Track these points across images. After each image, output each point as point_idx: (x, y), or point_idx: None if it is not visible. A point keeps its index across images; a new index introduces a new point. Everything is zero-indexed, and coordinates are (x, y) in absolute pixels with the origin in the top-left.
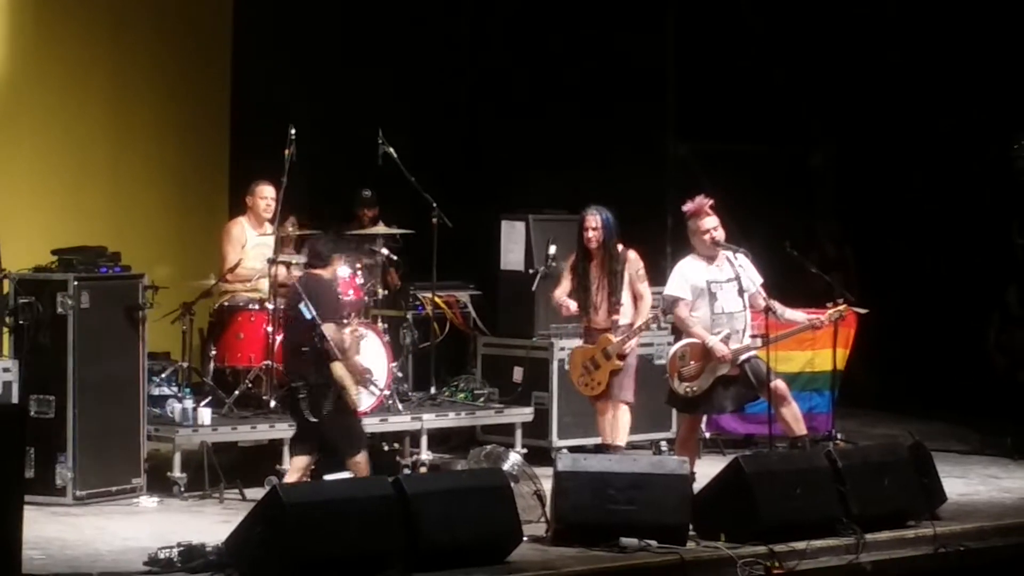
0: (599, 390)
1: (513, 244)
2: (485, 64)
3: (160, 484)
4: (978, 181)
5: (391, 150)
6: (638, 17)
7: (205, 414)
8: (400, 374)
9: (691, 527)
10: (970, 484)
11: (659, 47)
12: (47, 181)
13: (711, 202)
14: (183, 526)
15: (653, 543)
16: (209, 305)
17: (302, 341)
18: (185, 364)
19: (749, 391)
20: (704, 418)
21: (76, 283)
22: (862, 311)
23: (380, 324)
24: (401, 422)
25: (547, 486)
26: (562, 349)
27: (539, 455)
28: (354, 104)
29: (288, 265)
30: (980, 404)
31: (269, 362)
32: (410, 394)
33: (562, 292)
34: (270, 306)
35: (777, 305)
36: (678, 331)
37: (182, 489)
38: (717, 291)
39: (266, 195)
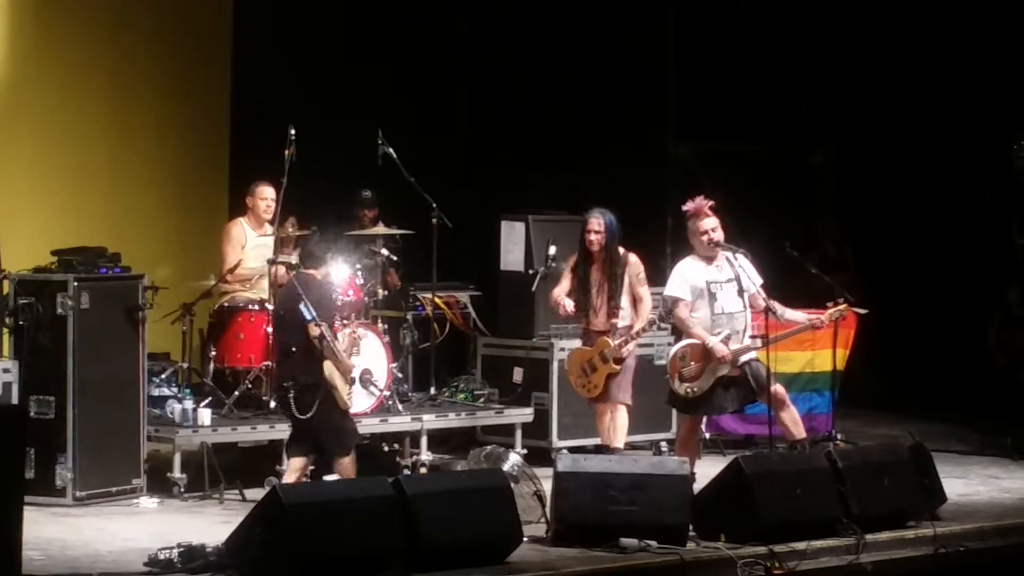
0: (595, 393)
1: (513, 244)
2: (485, 64)
3: (160, 485)
4: (978, 181)
5: (391, 150)
6: (638, 17)
7: (205, 415)
8: (400, 375)
9: (691, 527)
10: (970, 484)
11: (659, 47)
12: (47, 181)
13: (711, 203)
14: (183, 527)
15: (653, 543)
16: (209, 306)
17: (292, 340)
18: (185, 365)
19: (749, 392)
20: (704, 419)
21: (76, 284)
22: (862, 311)
23: (380, 325)
24: (401, 423)
25: (547, 487)
26: (562, 350)
27: (539, 456)
28: (354, 104)
29: (288, 266)
30: (980, 404)
31: (269, 363)
32: (410, 395)
33: (561, 291)
34: (270, 307)
35: (777, 305)
36: (678, 332)
37: (182, 490)
38: (717, 291)
39: (266, 196)
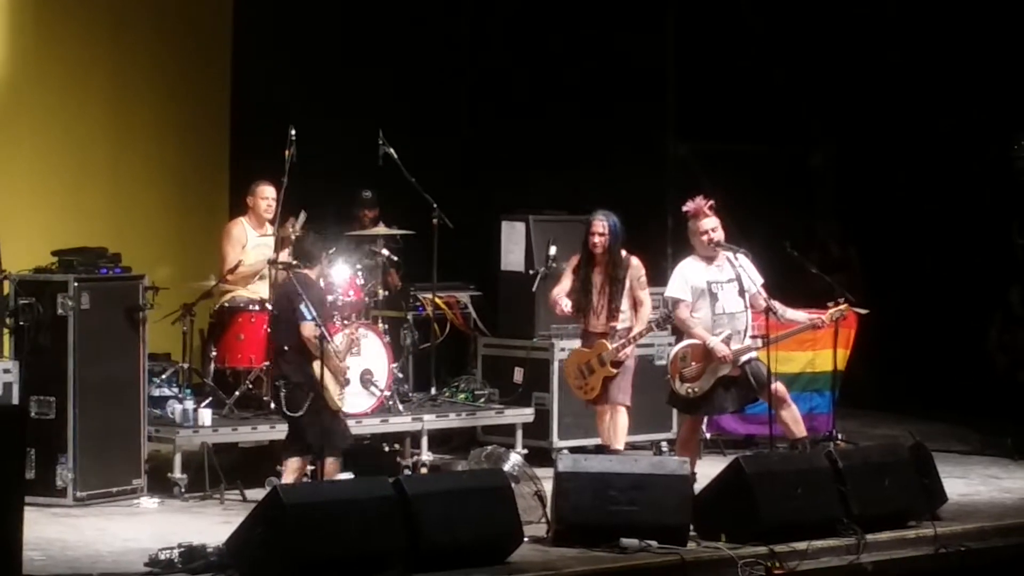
0: (592, 395)
1: (513, 245)
2: (485, 64)
3: (161, 485)
4: (978, 181)
5: (391, 151)
6: (638, 17)
7: (205, 415)
8: (400, 375)
9: (692, 527)
10: (971, 484)
11: (659, 47)
12: (47, 181)
13: (710, 203)
14: (184, 527)
15: (654, 544)
16: (209, 306)
17: (285, 339)
18: (185, 365)
19: (750, 392)
20: (705, 419)
21: (76, 284)
22: (863, 311)
23: (380, 325)
24: (402, 423)
25: (548, 487)
26: (562, 350)
27: (540, 456)
28: (354, 104)
29: (289, 266)
30: (981, 404)
31: (269, 363)
32: (411, 395)
33: (561, 291)
34: (270, 307)
35: (778, 305)
36: (679, 332)
37: (183, 490)
38: (718, 292)
39: (266, 195)
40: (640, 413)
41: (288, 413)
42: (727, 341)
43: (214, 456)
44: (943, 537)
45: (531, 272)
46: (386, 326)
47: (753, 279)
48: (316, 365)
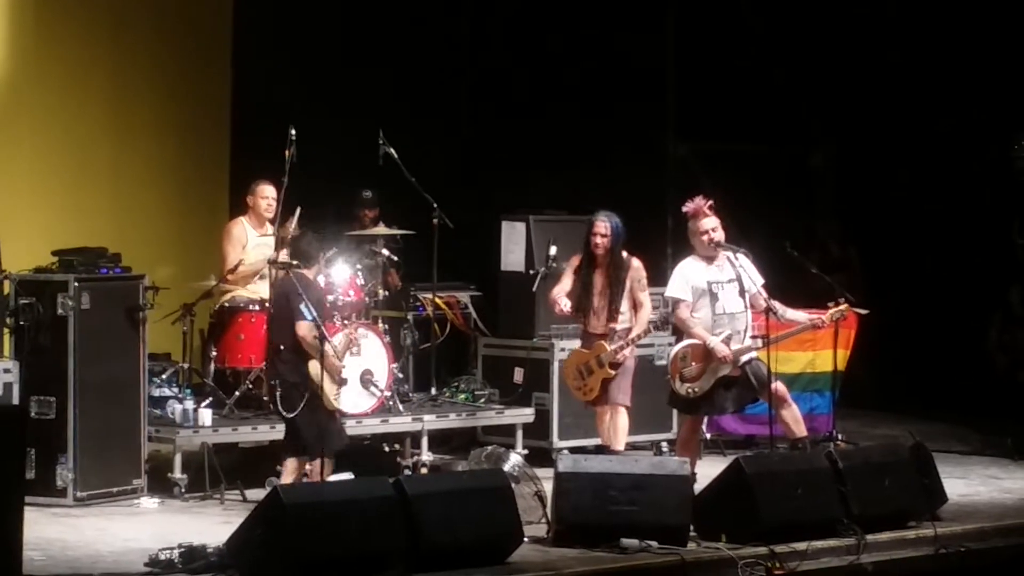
0: (591, 396)
1: (514, 245)
2: (485, 64)
3: (161, 485)
4: (978, 181)
5: (392, 151)
6: (638, 17)
7: (206, 415)
8: (401, 375)
9: (692, 528)
10: (971, 485)
11: (659, 47)
12: (47, 181)
13: (710, 203)
14: (184, 527)
15: (654, 544)
16: (210, 306)
17: (280, 339)
18: (186, 365)
19: (750, 392)
20: (705, 419)
21: (77, 284)
22: (863, 311)
23: (381, 325)
24: (402, 423)
25: (548, 487)
26: (562, 350)
27: (540, 456)
28: (354, 104)
29: (288, 266)
30: (981, 404)
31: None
32: (411, 395)
33: (561, 291)
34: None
35: (778, 305)
36: (679, 332)
37: (183, 490)
38: (718, 292)
39: (267, 195)
40: (640, 413)
41: (283, 413)
42: (727, 341)
43: (214, 456)
44: (943, 537)
45: (531, 272)
46: (386, 326)
47: (753, 279)
48: (312, 365)
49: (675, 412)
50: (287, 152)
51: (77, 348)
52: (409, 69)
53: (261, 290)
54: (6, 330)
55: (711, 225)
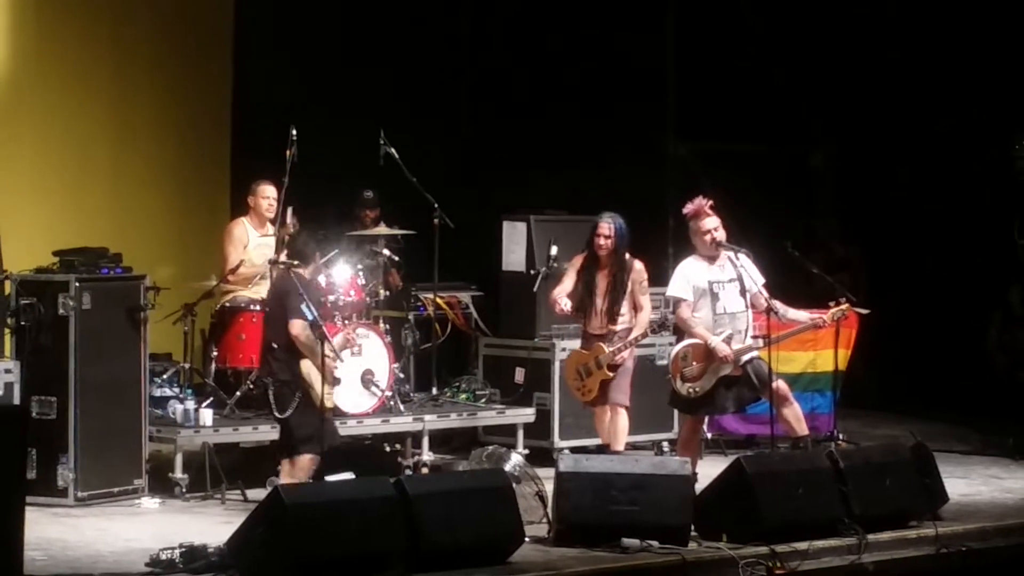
0: (590, 397)
1: (515, 245)
2: (485, 64)
3: (162, 485)
4: (978, 181)
5: (392, 151)
6: (638, 17)
7: (207, 415)
8: (402, 375)
9: (693, 528)
10: (972, 484)
11: (659, 47)
12: (48, 181)
13: (711, 202)
14: (185, 527)
15: (655, 544)
16: (211, 306)
17: (273, 337)
18: (187, 365)
19: (751, 392)
20: (706, 418)
21: (78, 284)
22: (864, 311)
23: (382, 325)
24: (403, 423)
25: (549, 487)
26: (563, 350)
27: (541, 456)
28: (355, 104)
29: (289, 266)
30: (981, 404)
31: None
32: (412, 395)
33: (561, 291)
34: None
35: (779, 305)
36: (680, 332)
37: (184, 490)
38: (719, 291)
39: (268, 195)
40: (641, 413)
41: (276, 415)
42: (728, 341)
43: (215, 456)
44: (944, 537)
45: (532, 272)
46: (387, 326)
47: (754, 279)
48: (303, 364)
49: (676, 412)
50: (288, 152)
51: (78, 348)
52: (409, 69)
53: (263, 290)
54: (7, 330)
55: (712, 225)
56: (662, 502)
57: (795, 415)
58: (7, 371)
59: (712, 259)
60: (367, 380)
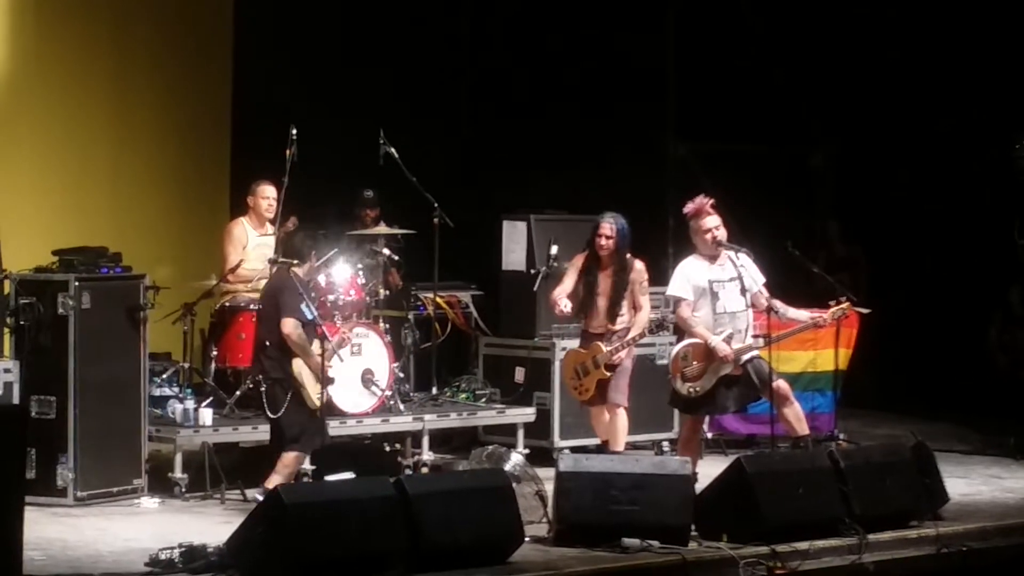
0: (587, 396)
1: (515, 244)
2: (485, 64)
3: (161, 485)
4: (979, 181)
5: (392, 150)
6: (638, 17)
7: (206, 415)
8: (402, 374)
9: (693, 527)
10: (972, 484)
11: (659, 47)
12: (48, 181)
13: (712, 201)
14: (184, 527)
15: (655, 543)
16: (210, 305)
17: (265, 335)
18: (186, 365)
19: (751, 391)
20: (706, 418)
21: (77, 284)
22: (864, 311)
23: (382, 324)
24: (403, 422)
25: (549, 487)
26: (563, 349)
27: (541, 455)
28: (354, 104)
29: (289, 265)
30: (982, 404)
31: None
32: (412, 394)
33: (562, 291)
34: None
35: (779, 304)
36: (680, 331)
37: (183, 490)
38: (719, 291)
39: (267, 195)
40: (641, 413)
41: (268, 414)
42: (728, 340)
43: (215, 456)
44: (945, 537)
45: (532, 272)
46: (387, 325)
47: (755, 278)
48: (295, 363)
49: (676, 411)
50: (288, 152)
51: (77, 348)
52: (409, 69)
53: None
54: (6, 330)
55: (713, 224)
56: (662, 502)
57: (795, 415)
58: (7, 371)
59: (712, 258)
60: (367, 380)
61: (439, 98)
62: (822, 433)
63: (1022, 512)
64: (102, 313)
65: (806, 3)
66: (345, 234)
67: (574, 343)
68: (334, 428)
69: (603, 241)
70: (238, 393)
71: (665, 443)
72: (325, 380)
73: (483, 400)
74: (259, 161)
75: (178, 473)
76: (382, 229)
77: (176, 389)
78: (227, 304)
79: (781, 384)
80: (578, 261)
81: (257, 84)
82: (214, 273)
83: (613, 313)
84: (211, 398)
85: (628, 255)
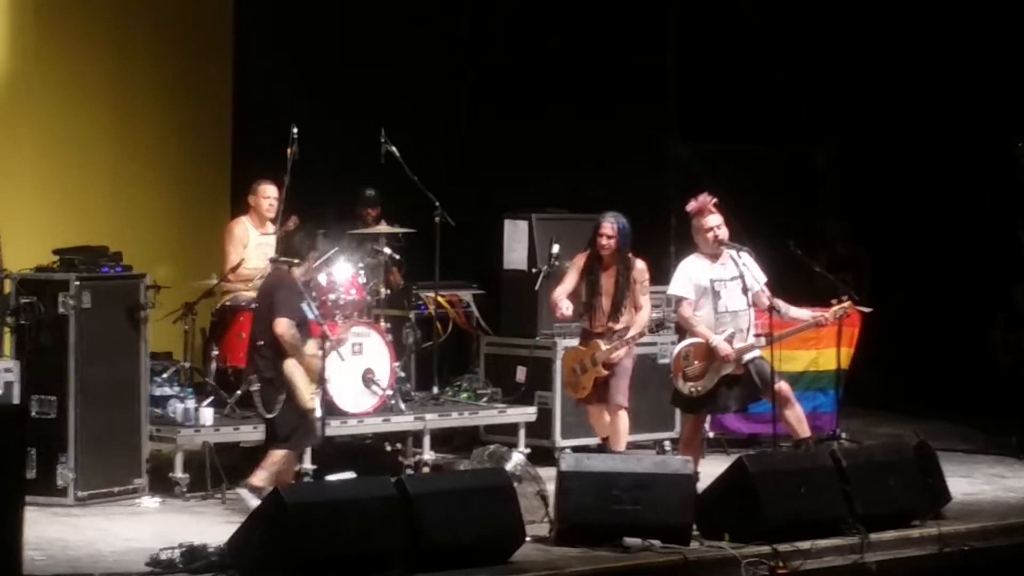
0: (583, 394)
1: (516, 243)
2: (485, 64)
3: (162, 485)
4: (982, 180)
5: (394, 149)
6: (638, 17)
7: (207, 414)
8: (403, 374)
9: (695, 527)
10: (975, 483)
11: (660, 47)
12: (49, 181)
13: (714, 200)
14: (185, 527)
15: (657, 543)
16: (211, 305)
17: (260, 335)
18: (187, 364)
19: (753, 391)
20: (708, 418)
21: (78, 283)
22: (867, 309)
23: (383, 324)
24: (404, 422)
25: (550, 486)
26: (565, 348)
27: (542, 455)
28: (355, 104)
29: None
30: (985, 403)
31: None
32: (413, 394)
33: (562, 292)
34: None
35: (781, 303)
36: (682, 331)
37: (184, 490)
38: (721, 290)
39: (268, 194)
40: (642, 412)
41: (263, 414)
42: (730, 339)
43: (215, 456)
44: (947, 536)
45: (534, 271)
46: (388, 325)
47: (756, 277)
48: (287, 363)
49: (677, 411)
50: (289, 151)
51: (78, 347)
52: (409, 69)
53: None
54: (7, 329)
55: (715, 223)
56: (664, 501)
57: (796, 417)
58: (7, 370)
59: (714, 257)
60: (368, 379)
61: (439, 98)
62: (824, 432)
63: None
64: (102, 313)
65: (806, 3)
66: (346, 233)
67: (575, 342)
68: (335, 428)
69: (604, 241)
70: (239, 393)
71: (667, 442)
72: (316, 379)
73: (484, 399)
74: (260, 161)
75: (179, 473)
76: (383, 228)
77: (177, 389)
78: (228, 303)
79: (783, 386)
80: (579, 261)
81: (257, 84)
82: (215, 272)
83: (616, 313)
84: (212, 398)
85: (630, 254)
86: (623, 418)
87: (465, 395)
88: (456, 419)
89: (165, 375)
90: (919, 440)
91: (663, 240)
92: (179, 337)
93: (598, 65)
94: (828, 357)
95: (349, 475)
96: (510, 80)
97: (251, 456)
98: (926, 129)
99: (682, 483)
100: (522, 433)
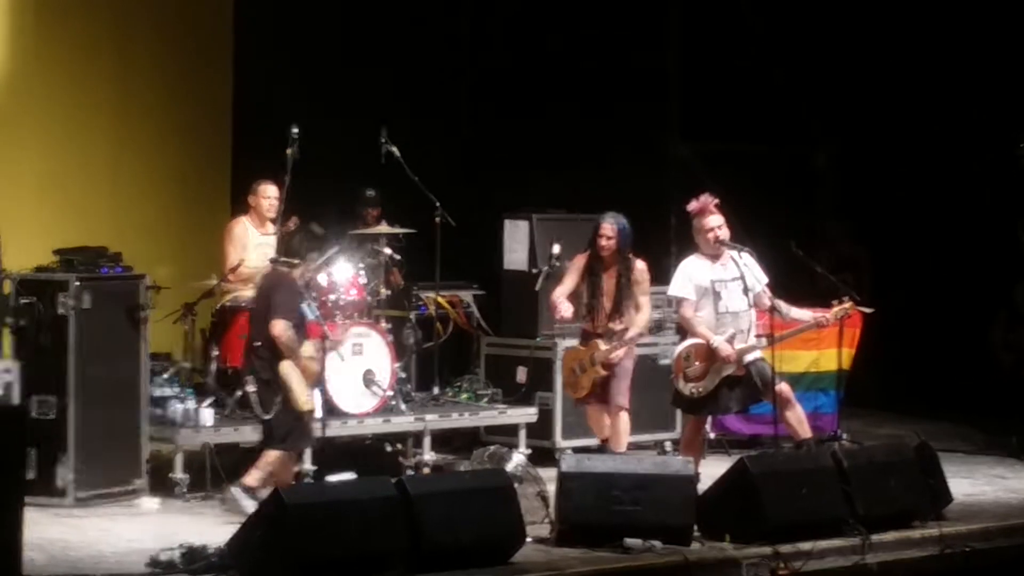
0: (581, 394)
1: (516, 244)
2: (485, 64)
3: (162, 485)
4: (982, 180)
5: (394, 149)
6: (638, 17)
7: (207, 415)
8: (403, 374)
9: (696, 528)
10: (976, 484)
11: (660, 47)
12: (49, 181)
13: (716, 200)
14: (185, 527)
15: (657, 544)
16: (211, 305)
17: (257, 335)
18: (187, 365)
19: (754, 392)
20: (709, 418)
21: (77, 283)
22: (868, 310)
23: (383, 324)
24: (404, 422)
25: (551, 487)
26: (565, 349)
27: (543, 456)
28: (355, 104)
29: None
30: (986, 404)
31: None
32: (413, 394)
33: (562, 292)
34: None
35: (782, 304)
36: (683, 331)
37: (184, 490)
38: (721, 290)
39: (269, 194)
40: (643, 413)
41: (260, 415)
42: (731, 340)
43: (215, 456)
44: (948, 537)
45: (534, 271)
46: (389, 325)
47: (757, 277)
48: (282, 365)
49: (678, 412)
50: (289, 151)
51: (78, 347)
52: (409, 69)
53: None
54: (7, 330)
55: (716, 223)
56: (665, 502)
57: (797, 418)
58: (6, 371)
59: (715, 258)
60: (368, 380)
61: (439, 98)
62: (825, 433)
63: None
64: (102, 313)
65: (806, 3)
66: (347, 233)
67: (575, 342)
68: (335, 428)
69: (604, 241)
70: (239, 393)
71: (667, 443)
72: (312, 381)
73: (485, 400)
74: (260, 161)
75: (179, 473)
76: (383, 228)
77: (177, 389)
78: (228, 304)
79: (783, 388)
80: (579, 261)
81: (257, 84)
82: (215, 273)
83: (617, 313)
84: (212, 398)
85: (630, 255)
86: (624, 419)
87: (465, 396)
88: (456, 420)
89: (165, 375)
90: (920, 441)
91: (663, 240)
92: (179, 337)
93: (598, 65)
94: (829, 358)
95: (349, 476)
96: (510, 80)
97: (251, 457)
98: (926, 129)
99: (683, 484)
100: (522, 434)
